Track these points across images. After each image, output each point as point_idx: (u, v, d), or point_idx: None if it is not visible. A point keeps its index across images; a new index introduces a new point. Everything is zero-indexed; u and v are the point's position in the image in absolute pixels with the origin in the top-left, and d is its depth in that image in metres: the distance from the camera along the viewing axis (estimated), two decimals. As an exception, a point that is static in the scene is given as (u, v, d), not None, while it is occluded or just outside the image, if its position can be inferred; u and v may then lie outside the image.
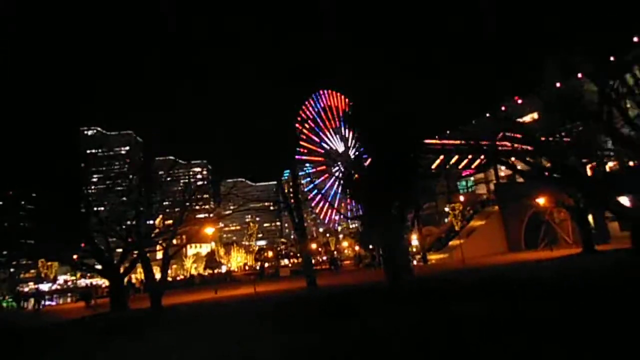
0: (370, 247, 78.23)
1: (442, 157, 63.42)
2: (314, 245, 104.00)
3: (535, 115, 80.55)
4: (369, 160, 24.26)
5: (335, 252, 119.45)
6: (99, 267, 32.81)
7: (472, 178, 71.21)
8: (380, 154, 21.41)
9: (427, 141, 60.09)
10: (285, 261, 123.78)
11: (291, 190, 41.25)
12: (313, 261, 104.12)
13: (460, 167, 75.18)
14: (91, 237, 29.12)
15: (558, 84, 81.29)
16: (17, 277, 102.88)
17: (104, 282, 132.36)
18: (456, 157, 68.74)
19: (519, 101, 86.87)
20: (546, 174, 52.45)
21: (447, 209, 65.38)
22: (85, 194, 30.21)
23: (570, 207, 34.17)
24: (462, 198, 64.54)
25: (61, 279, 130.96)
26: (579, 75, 77.65)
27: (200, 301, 31.05)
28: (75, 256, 33.82)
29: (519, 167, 68.70)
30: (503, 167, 65.27)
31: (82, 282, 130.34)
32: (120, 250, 33.36)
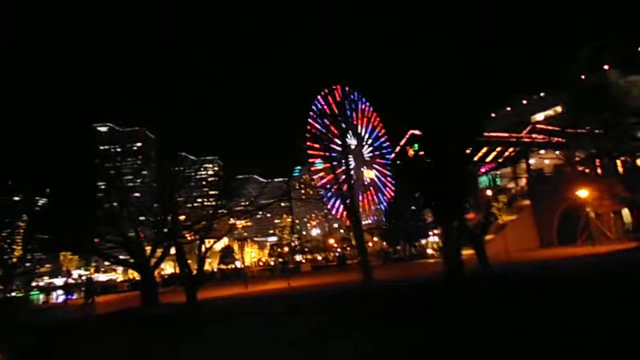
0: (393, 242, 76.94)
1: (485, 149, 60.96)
2: (331, 241, 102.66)
3: (558, 109, 78.59)
4: (410, 151, 22.55)
5: (347, 249, 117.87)
6: (125, 260, 31.73)
7: (497, 172, 69.03)
8: (437, 142, 19.81)
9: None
10: (298, 257, 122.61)
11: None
12: (320, 258, 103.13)
13: (487, 160, 73.05)
14: (122, 229, 27.94)
15: (583, 76, 78.80)
16: (33, 271, 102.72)
17: (117, 277, 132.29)
18: (484, 150, 66.39)
19: (541, 94, 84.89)
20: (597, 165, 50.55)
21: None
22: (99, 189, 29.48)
23: (627, 199, 32.24)
24: (489, 192, 62.60)
25: (75, 273, 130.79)
26: (605, 67, 75.26)
27: (235, 296, 29.72)
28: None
29: (546, 161, 66.80)
30: (532, 161, 63.25)
31: (97, 277, 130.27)
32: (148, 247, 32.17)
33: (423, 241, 67.47)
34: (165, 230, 27.39)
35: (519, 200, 57.06)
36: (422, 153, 23.19)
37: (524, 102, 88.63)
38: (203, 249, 25.57)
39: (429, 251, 60.16)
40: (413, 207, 62.27)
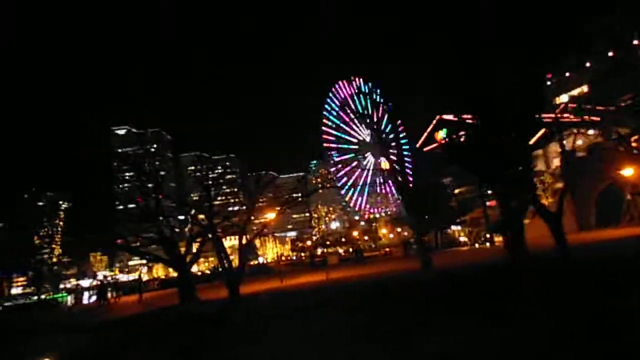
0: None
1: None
2: (355, 233, 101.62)
3: (584, 88, 75.95)
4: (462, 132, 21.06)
5: (370, 241, 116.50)
6: (161, 257, 31.03)
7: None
8: (496, 115, 18.42)
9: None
10: (319, 250, 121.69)
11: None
12: (341, 251, 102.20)
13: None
14: (159, 226, 27.23)
15: (611, 53, 75.45)
16: (61, 273, 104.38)
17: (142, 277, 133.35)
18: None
19: (567, 74, 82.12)
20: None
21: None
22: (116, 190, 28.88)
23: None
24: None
25: (100, 275, 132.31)
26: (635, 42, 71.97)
27: (274, 290, 28.78)
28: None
29: (579, 141, 64.59)
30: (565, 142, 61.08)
31: (122, 278, 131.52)
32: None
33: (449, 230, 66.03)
34: (201, 225, 26.57)
35: (554, 182, 55.03)
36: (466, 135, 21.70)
37: (547, 83, 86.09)
38: (243, 242, 24.68)
39: (462, 239, 58.58)
40: (456, 191, 61.28)
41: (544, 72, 21.16)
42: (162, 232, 27.92)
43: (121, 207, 38.40)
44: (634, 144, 56.79)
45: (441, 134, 60.24)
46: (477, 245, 51.22)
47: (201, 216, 29.24)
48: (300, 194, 45.58)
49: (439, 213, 54.46)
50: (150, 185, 30.05)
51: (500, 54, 19.41)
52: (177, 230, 30.98)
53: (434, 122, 62.88)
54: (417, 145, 64.69)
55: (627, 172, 39.24)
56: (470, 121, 23.18)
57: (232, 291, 23.99)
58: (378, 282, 21.54)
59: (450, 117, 57.01)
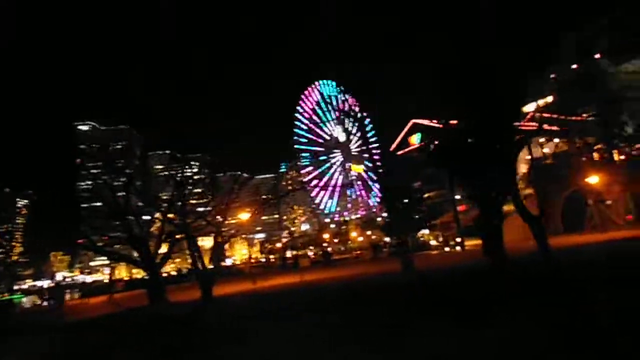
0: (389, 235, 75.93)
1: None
2: (326, 236, 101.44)
3: (549, 99, 78.57)
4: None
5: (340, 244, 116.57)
6: (129, 257, 29.87)
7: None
8: (481, 121, 18.48)
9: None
10: (289, 253, 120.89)
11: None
12: (311, 254, 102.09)
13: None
14: (127, 224, 26.10)
15: (575, 65, 78.32)
16: (16, 274, 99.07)
17: (102, 278, 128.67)
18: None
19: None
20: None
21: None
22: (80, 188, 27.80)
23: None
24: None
25: (60, 275, 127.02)
26: (597, 55, 75.02)
27: (247, 292, 28.15)
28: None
29: (546, 149, 66.73)
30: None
31: (80, 279, 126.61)
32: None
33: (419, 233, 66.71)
34: (174, 224, 25.65)
35: (523, 188, 56.52)
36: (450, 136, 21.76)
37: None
38: (219, 241, 23.95)
39: (432, 242, 59.23)
40: (425, 195, 61.80)
41: (527, 77, 21.30)
42: (132, 230, 26.80)
43: (86, 205, 36.70)
44: (595, 154, 59.11)
45: (415, 138, 61.10)
46: (447, 249, 51.90)
47: (171, 215, 28.30)
48: (276, 195, 44.84)
49: (411, 216, 54.92)
50: (119, 182, 28.87)
51: (500, 54, 19.58)
52: (145, 229, 29.80)
53: (408, 126, 63.61)
54: (391, 149, 65.16)
55: (592, 179, 40.70)
56: (444, 125, 23.39)
57: (205, 292, 23.23)
58: (358, 284, 21.29)
59: (424, 121, 57.85)
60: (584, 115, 63.48)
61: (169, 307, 24.60)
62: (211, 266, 25.52)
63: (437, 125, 56.41)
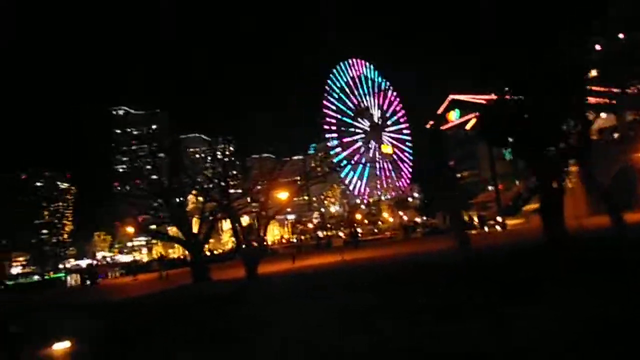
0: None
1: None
2: (358, 216, 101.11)
3: (593, 72, 74.64)
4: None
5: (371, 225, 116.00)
6: (173, 236, 30.14)
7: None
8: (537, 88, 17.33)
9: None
10: (320, 233, 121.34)
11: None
12: (342, 235, 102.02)
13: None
14: (172, 204, 26.28)
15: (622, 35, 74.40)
16: (60, 253, 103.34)
17: (141, 258, 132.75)
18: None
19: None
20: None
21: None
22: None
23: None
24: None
25: (100, 255, 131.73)
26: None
27: (288, 271, 28.03)
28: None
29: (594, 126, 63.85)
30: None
31: (121, 258, 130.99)
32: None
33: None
34: (218, 201, 25.67)
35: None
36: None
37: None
38: (262, 222, 23.85)
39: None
40: (458, 175, 60.12)
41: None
42: (174, 209, 27.00)
43: (128, 187, 37.39)
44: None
45: (453, 115, 59.33)
46: (486, 229, 50.56)
47: (214, 195, 28.39)
48: (309, 177, 44.32)
49: (452, 195, 53.52)
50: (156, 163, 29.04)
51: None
52: (184, 209, 30.02)
53: (446, 102, 61.70)
54: (427, 127, 63.54)
55: (646, 154, 38.52)
56: (498, 100, 22.20)
57: (250, 271, 23.18)
58: (417, 262, 20.62)
59: (464, 97, 55.94)
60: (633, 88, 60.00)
61: (214, 285, 24.76)
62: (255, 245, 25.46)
63: (481, 100, 54.52)
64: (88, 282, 50.37)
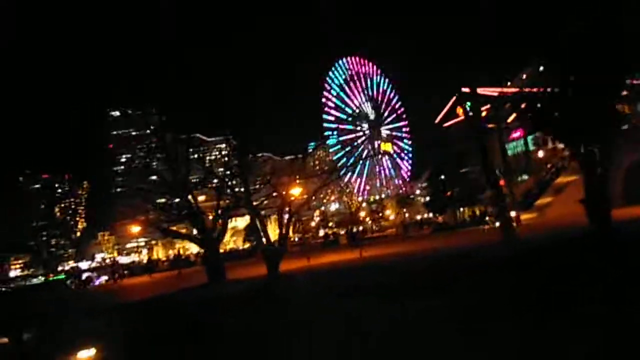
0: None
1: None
2: (362, 214, 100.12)
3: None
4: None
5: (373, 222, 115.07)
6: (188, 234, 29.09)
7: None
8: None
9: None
10: (321, 232, 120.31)
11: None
12: (342, 233, 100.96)
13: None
14: (189, 200, 25.20)
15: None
16: (58, 255, 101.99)
17: (140, 259, 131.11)
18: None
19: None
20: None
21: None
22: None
23: None
24: (541, 154, 59.10)
25: (99, 257, 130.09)
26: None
27: (304, 269, 27.04)
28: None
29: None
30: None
31: (121, 260, 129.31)
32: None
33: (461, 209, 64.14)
34: (236, 196, 24.65)
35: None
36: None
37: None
38: (285, 217, 22.84)
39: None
40: (466, 169, 59.22)
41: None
42: (190, 205, 25.93)
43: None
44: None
45: (464, 108, 58.08)
46: (497, 224, 49.61)
47: (229, 191, 27.38)
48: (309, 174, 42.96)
49: (459, 190, 52.84)
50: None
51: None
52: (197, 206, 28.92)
53: (455, 96, 60.57)
54: (436, 121, 62.57)
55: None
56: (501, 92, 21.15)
57: (271, 268, 22.13)
58: (445, 260, 19.52)
59: (481, 90, 54.85)
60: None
61: (233, 285, 23.67)
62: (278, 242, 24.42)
63: (494, 93, 53.55)
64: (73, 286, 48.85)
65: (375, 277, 17.81)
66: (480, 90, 50.13)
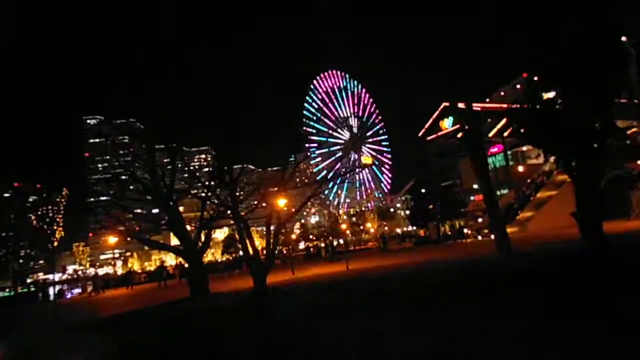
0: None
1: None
2: (343, 226, 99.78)
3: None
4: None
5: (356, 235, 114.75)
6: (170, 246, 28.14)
7: (524, 148, 65.96)
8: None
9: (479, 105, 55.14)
10: (301, 245, 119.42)
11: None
12: (322, 245, 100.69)
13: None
14: (171, 210, 24.37)
15: None
16: (28, 267, 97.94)
17: (114, 271, 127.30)
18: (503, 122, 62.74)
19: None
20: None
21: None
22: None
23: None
24: (520, 169, 60.14)
25: (70, 268, 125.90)
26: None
27: (289, 282, 26.44)
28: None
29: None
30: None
31: (91, 271, 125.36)
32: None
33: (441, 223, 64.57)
34: (223, 205, 23.99)
35: (555, 175, 54.54)
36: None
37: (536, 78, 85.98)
38: (272, 228, 22.25)
39: (466, 231, 57.37)
40: (446, 184, 59.85)
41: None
42: (172, 216, 25.09)
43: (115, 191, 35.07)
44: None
45: (447, 122, 59.02)
46: (479, 238, 50.13)
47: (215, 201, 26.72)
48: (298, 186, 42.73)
49: (441, 204, 53.10)
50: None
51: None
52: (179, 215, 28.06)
53: (439, 110, 61.34)
54: (419, 135, 62.99)
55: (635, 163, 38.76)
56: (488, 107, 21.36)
57: (257, 281, 21.43)
58: (431, 273, 19.30)
59: (459, 104, 55.56)
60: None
61: (219, 297, 22.86)
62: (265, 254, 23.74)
63: (482, 107, 54.22)
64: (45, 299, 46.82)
65: (396, 285, 17.13)
66: (461, 105, 50.77)
